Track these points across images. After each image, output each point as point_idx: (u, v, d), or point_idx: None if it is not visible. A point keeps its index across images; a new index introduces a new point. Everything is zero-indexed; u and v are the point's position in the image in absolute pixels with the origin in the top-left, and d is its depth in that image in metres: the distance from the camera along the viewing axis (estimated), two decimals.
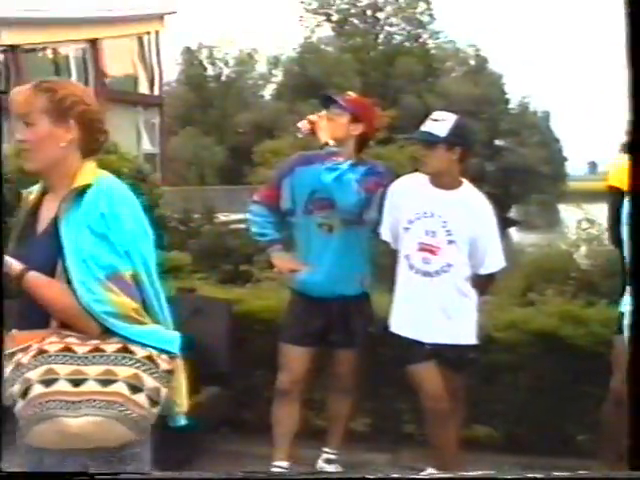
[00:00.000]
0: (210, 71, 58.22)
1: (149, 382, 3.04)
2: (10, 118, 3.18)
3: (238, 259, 14.78)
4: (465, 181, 5.21)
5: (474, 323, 5.14)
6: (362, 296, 5.56)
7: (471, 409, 5.51)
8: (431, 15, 60.66)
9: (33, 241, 3.20)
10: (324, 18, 60.97)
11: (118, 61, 30.24)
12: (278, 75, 60.60)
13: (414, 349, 5.10)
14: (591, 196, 13.58)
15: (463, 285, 5.12)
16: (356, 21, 61.37)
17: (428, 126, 5.12)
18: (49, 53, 28.04)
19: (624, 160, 4.24)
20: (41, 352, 3.04)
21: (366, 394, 5.99)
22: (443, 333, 5.08)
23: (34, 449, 3.18)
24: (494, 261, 5.22)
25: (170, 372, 3.14)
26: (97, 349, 3.03)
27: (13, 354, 3.09)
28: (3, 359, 3.02)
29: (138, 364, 3.04)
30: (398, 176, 5.48)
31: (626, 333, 4.19)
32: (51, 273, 3.09)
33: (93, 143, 3.24)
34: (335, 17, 60.97)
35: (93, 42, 28.44)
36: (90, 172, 3.19)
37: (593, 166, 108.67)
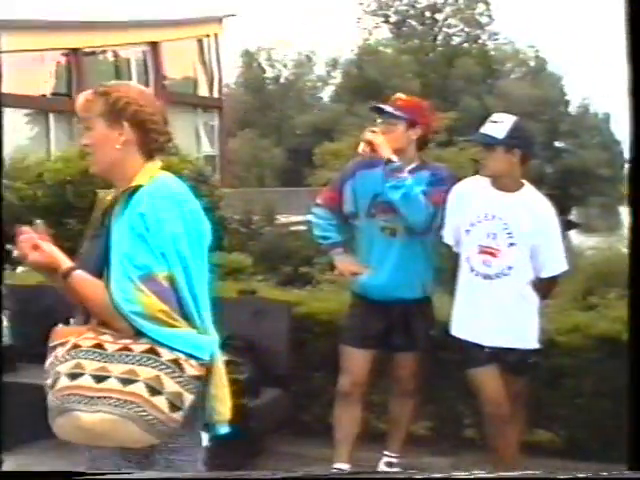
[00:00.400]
0: (269, 73, 58.42)
1: (170, 386, 3.02)
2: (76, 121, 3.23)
3: (298, 261, 14.78)
4: (527, 183, 5.18)
5: (535, 327, 5.11)
6: (424, 300, 5.54)
7: (533, 414, 5.47)
8: (490, 16, 60.27)
9: (95, 241, 3.25)
10: (382, 20, 60.86)
11: (178, 64, 30.41)
12: (336, 77, 60.59)
13: (474, 352, 5.08)
14: None
15: (524, 288, 5.09)
16: (414, 22, 61.14)
17: (487, 128, 5.11)
18: (110, 56, 28.28)
19: None
20: (75, 347, 3.09)
21: (427, 397, 5.97)
22: (503, 336, 5.05)
23: (85, 448, 3.25)
24: (556, 264, 5.18)
25: (199, 378, 3.09)
26: (126, 348, 3.04)
27: (54, 348, 3.16)
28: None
29: (162, 366, 3.02)
30: (459, 179, 5.46)
31: None
32: (102, 272, 3.14)
33: (151, 144, 3.26)
34: (393, 18, 60.81)
35: (153, 45, 28.63)
36: (148, 173, 3.22)
37: None
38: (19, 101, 22.03)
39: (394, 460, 5.67)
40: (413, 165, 5.39)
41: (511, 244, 5.03)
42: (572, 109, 62.38)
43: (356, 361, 5.49)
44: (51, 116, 23.24)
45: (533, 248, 5.05)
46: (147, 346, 3.03)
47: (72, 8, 24.10)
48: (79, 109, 3.29)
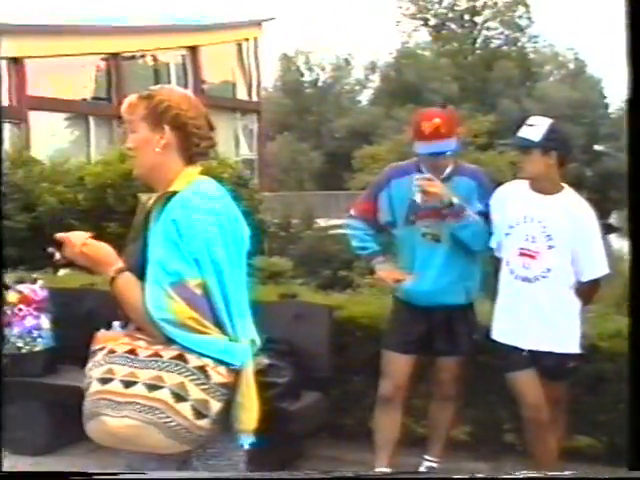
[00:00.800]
0: (307, 77, 58.51)
1: (195, 393, 3.00)
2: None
3: (337, 264, 14.78)
4: (566, 186, 5.15)
5: (576, 332, 5.07)
6: (467, 305, 5.52)
7: (573, 419, 5.44)
8: (530, 18, 60.05)
9: (136, 245, 3.25)
10: (421, 23, 60.80)
11: (217, 68, 30.50)
12: (375, 80, 60.63)
13: (514, 356, 5.06)
14: None
15: (564, 291, 5.06)
16: (453, 25, 61.03)
17: (523, 131, 5.09)
18: (149, 60, 28.41)
19: None
20: (110, 352, 3.11)
21: (468, 402, 5.96)
22: (541, 340, 5.02)
23: (124, 452, 3.24)
24: (596, 268, 5.13)
25: (226, 385, 3.07)
26: (156, 354, 3.05)
27: (94, 352, 3.18)
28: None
29: (187, 373, 3.01)
30: (499, 183, 5.45)
31: None
32: (140, 278, 3.14)
33: (193, 148, 3.25)
34: (432, 22, 60.72)
35: (193, 49, 28.75)
36: (185, 178, 3.21)
37: None
38: (60, 105, 22.21)
39: (434, 465, 5.66)
40: (448, 170, 5.37)
41: (550, 247, 5.01)
42: (612, 111, 61.96)
43: (398, 366, 5.48)
44: (91, 120, 23.38)
45: (573, 251, 5.02)
46: (176, 352, 3.03)
47: (112, 13, 24.23)
48: (124, 113, 3.30)
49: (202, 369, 3.02)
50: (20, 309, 6.54)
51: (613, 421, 5.87)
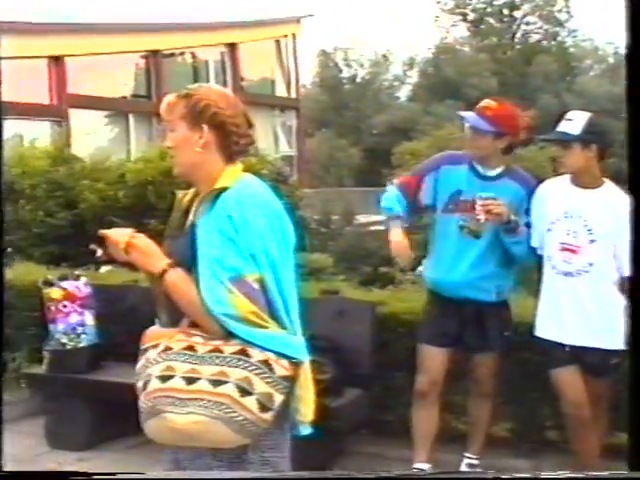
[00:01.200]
0: (345, 73, 58.36)
1: (260, 386, 3.03)
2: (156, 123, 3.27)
3: (377, 261, 14.76)
4: (607, 180, 5.14)
5: (620, 328, 5.03)
6: (498, 302, 5.50)
7: (616, 416, 5.41)
8: (569, 12, 59.49)
9: (179, 241, 3.28)
10: (460, 18, 60.43)
11: (256, 65, 30.52)
12: (413, 76, 60.39)
13: (556, 353, 5.05)
14: None
15: (606, 286, 5.03)
16: (492, 20, 60.61)
17: (562, 126, 5.10)
18: (188, 58, 28.48)
19: None
20: (166, 349, 3.13)
21: (509, 399, 5.95)
22: (583, 335, 5.01)
23: (170, 448, 3.28)
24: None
25: (288, 378, 3.11)
26: (217, 349, 3.07)
27: (146, 350, 3.20)
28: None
29: (252, 367, 3.04)
30: (541, 179, 5.44)
31: None
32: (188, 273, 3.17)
33: (232, 146, 3.27)
34: (471, 17, 60.35)
35: (231, 46, 28.79)
36: (231, 175, 3.24)
37: None
38: (100, 103, 22.34)
39: (475, 462, 5.66)
40: (498, 171, 5.36)
41: (592, 241, 5.00)
42: None
43: (432, 360, 5.48)
44: (131, 117, 23.49)
45: (615, 246, 5.00)
46: (238, 347, 3.06)
47: (151, 10, 24.34)
48: (163, 112, 3.33)
49: (266, 363, 3.05)
50: (64, 305, 6.60)
51: None
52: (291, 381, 3.13)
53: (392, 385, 6.23)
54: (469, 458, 5.67)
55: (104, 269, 8.33)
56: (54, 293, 6.66)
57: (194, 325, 3.17)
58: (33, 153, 10.83)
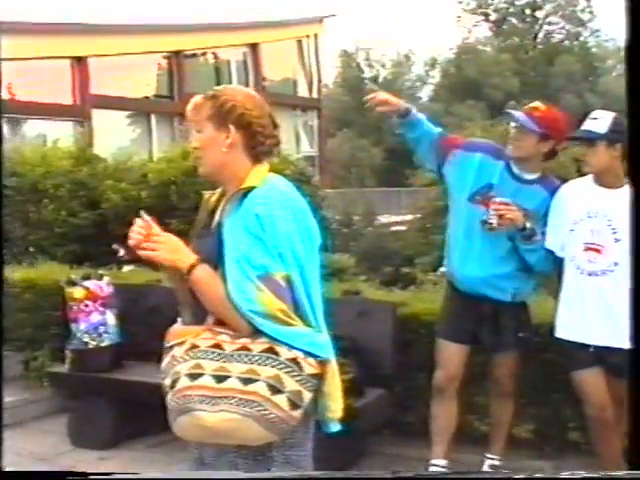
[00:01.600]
0: (367, 73, 58.36)
1: (290, 384, 3.07)
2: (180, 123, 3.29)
3: (399, 261, 14.75)
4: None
5: None
6: (515, 303, 5.48)
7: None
8: (591, 12, 59.28)
9: (206, 240, 3.30)
10: (482, 18, 60.37)
11: (278, 65, 30.50)
12: (435, 76, 60.33)
13: (578, 354, 5.03)
14: None
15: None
16: (514, 20, 60.49)
17: (587, 125, 5.08)
18: (210, 58, 28.51)
19: None
20: (193, 347, 3.15)
21: (531, 400, 5.93)
22: (608, 335, 4.98)
23: (193, 446, 3.31)
24: None
25: (316, 376, 3.15)
26: (245, 348, 3.10)
27: (171, 348, 3.22)
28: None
29: (281, 365, 3.07)
30: (564, 179, 5.42)
31: None
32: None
33: (258, 147, 3.30)
34: (493, 17, 60.26)
35: (253, 46, 28.81)
36: (258, 175, 3.27)
37: None
38: (122, 103, 22.39)
39: (497, 462, 5.64)
40: (534, 176, 5.33)
41: (616, 240, 4.97)
42: None
43: (450, 355, 5.48)
44: (153, 118, 23.52)
45: None
46: (266, 345, 3.09)
47: (173, 11, 24.40)
48: (189, 113, 3.36)
49: (294, 361, 3.09)
50: (86, 305, 6.62)
51: None
52: (319, 379, 3.17)
53: (414, 386, 6.22)
54: (491, 459, 5.66)
55: (126, 268, 8.36)
56: (77, 293, 6.69)
57: (219, 323, 3.18)
58: (56, 153, 10.85)
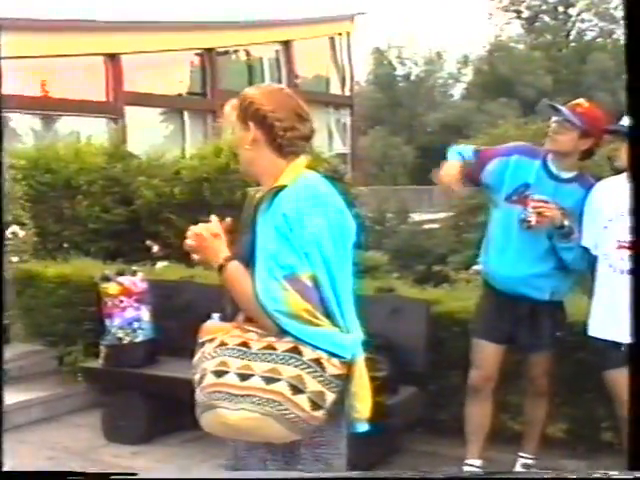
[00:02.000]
0: (399, 71, 58.20)
1: (312, 385, 3.06)
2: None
3: (431, 259, 14.73)
4: None
5: None
6: (553, 303, 5.46)
7: None
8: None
9: (246, 237, 3.30)
10: (514, 15, 60.10)
11: (310, 62, 30.52)
12: (467, 74, 60.08)
13: (612, 353, 4.99)
14: None
15: None
16: (547, 18, 60.19)
17: (625, 120, 5.03)
18: (242, 55, 28.56)
19: None
20: (221, 344, 3.17)
21: (564, 400, 5.91)
22: None
23: (229, 439, 3.32)
24: None
25: (340, 377, 3.13)
26: (270, 346, 3.10)
27: (203, 344, 3.25)
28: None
29: (304, 366, 3.06)
30: (599, 177, 5.40)
31: None
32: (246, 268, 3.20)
33: (278, 139, 3.28)
34: (525, 14, 59.96)
35: (286, 44, 28.83)
36: (292, 172, 3.26)
37: None
38: (155, 100, 22.48)
39: (530, 462, 5.62)
40: (571, 175, 5.31)
41: None
42: None
43: (486, 355, 5.46)
44: (186, 114, 23.60)
45: None
46: (290, 345, 3.09)
47: (206, 8, 24.44)
48: (224, 114, 3.42)
49: (317, 361, 3.08)
50: (121, 301, 6.66)
51: None
52: (344, 379, 3.15)
53: (447, 384, 6.22)
54: (524, 458, 5.64)
55: (160, 265, 8.40)
56: (111, 289, 6.73)
57: (249, 321, 3.20)
58: (90, 150, 10.92)
